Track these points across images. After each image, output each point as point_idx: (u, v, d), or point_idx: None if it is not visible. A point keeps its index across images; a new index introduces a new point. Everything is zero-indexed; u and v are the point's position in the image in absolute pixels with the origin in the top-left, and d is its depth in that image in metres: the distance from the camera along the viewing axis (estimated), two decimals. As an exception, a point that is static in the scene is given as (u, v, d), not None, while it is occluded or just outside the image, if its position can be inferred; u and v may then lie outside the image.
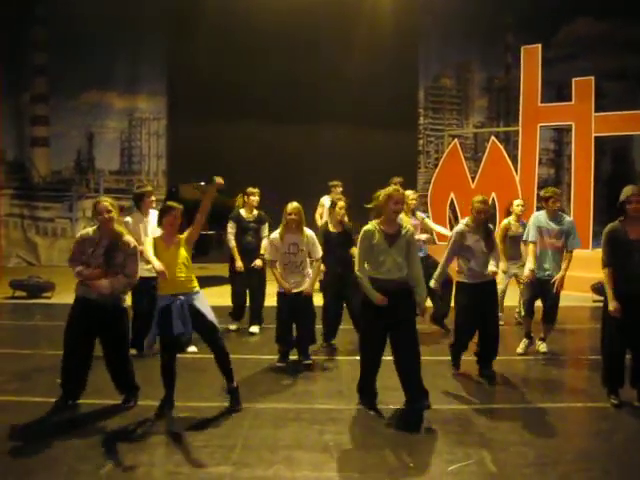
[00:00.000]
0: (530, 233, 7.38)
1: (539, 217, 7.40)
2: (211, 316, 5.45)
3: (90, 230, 5.48)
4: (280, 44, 14.35)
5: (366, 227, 5.47)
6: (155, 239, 5.45)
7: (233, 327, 8.55)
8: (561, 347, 7.93)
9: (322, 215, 11.18)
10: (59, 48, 14.94)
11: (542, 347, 7.51)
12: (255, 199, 8.47)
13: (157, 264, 5.20)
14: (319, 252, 6.86)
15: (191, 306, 5.35)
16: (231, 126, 14.57)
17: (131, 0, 14.71)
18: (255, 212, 8.52)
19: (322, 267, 7.21)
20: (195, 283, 5.48)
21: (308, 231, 6.84)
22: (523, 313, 7.71)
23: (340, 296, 7.62)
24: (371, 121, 14.78)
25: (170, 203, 5.57)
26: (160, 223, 5.53)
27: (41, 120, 15.51)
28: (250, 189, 8.56)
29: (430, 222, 9.13)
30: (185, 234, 5.46)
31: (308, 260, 6.91)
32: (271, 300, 7.71)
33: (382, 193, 5.45)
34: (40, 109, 15.50)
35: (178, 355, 5.51)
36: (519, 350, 7.53)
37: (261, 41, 14.35)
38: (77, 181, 15.79)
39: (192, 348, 6.78)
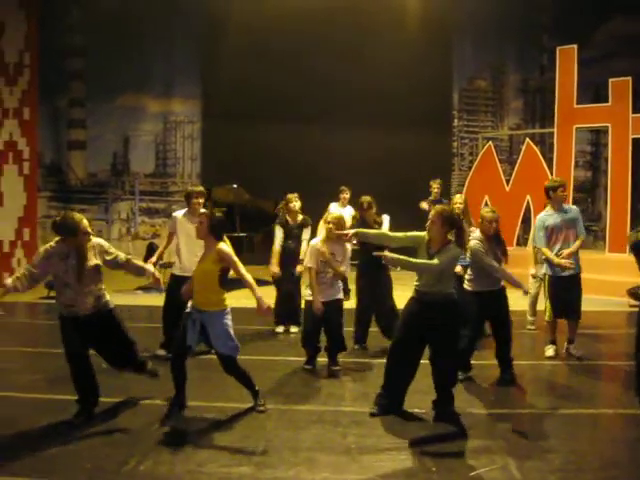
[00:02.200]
0: (538, 239, 7.27)
1: (544, 218, 7.30)
2: (223, 343, 5.39)
3: (52, 244, 5.21)
4: (312, 46, 14.38)
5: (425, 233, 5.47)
6: None
7: (280, 329, 8.60)
8: (594, 352, 7.78)
9: None
10: (95, 52, 15.21)
11: (574, 350, 7.35)
12: (294, 204, 8.42)
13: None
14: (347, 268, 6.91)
15: (203, 327, 5.38)
16: (264, 128, 14.64)
17: (166, 5, 14.89)
18: (299, 217, 8.52)
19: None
20: (213, 305, 5.39)
21: (348, 245, 6.79)
22: (546, 316, 7.51)
23: (374, 299, 7.59)
24: (405, 124, 14.70)
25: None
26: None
27: (78, 123, 15.80)
28: (289, 195, 8.54)
29: None
30: (224, 253, 5.37)
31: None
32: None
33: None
34: (77, 113, 15.79)
35: (204, 356, 5.54)
36: (548, 354, 7.39)
37: (293, 43, 14.39)
38: (113, 183, 16.03)
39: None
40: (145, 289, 11.85)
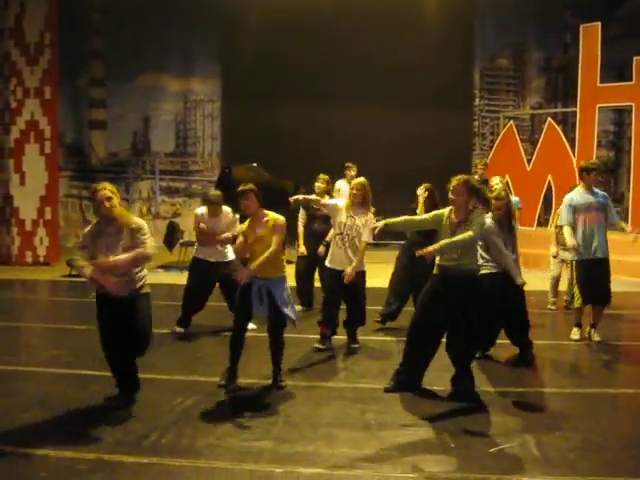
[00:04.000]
0: (564, 216, 7.14)
1: (573, 197, 7.17)
2: (286, 307, 5.53)
3: (88, 232, 5.08)
4: (331, 24, 14.30)
5: (446, 209, 5.48)
6: (245, 224, 5.64)
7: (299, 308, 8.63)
8: (616, 333, 7.76)
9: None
10: (115, 32, 15.16)
11: (595, 336, 7.21)
12: (319, 185, 8.34)
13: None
14: (368, 237, 6.64)
15: (269, 292, 5.48)
16: (284, 108, 14.57)
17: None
18: (326, 199, 8.45)
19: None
20: (278, 271, 5.59)
21: (371, 214, 6.74)
22: (575, 302, 7.42)
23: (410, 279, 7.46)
24: (426, 103, 14.57)
25: (242, 186, 5.63)
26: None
27: (98, 103, 15.84)
28: (319, 176, 8.51)
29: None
30: (275, 223, 5.52)
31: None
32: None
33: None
34: (97, 92, 15.82)
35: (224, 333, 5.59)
36: (574, 337, 7.29)
37: (312, 22, 14.31)
38: (133, 163, 16.09)
39: (251, 325, 6.90)
40: (166, 267, 11.94)
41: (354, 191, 6.65)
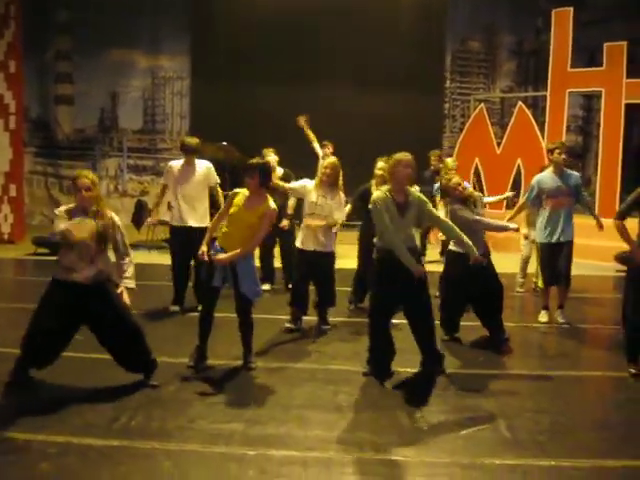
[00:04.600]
0: (528, 192, 7.25)
1: (543, 178, 7.21)
2: (248, 286, 5.42)
3: (65, 208, 4.90)
4: (303, 5, 14.14)
5: (377, 195, 5.29)
6: (240, 194, 5.50)
7: (266, 287, 8.55)
8: (582, 316, 7.83)
9: None
10: (83, 5, 14.83)
11: (560, 317, 7.30)
12: (275, 158, 8.32)
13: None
14: (341, 215, 6.68)
15: (233, 269, 5.38)
16: (254, 87, 14.40)
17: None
18: (279, 171, 8.39)
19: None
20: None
21: (342, 194, 6.72)
22: (540, 284, 7.51)
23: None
24: (397, 85, 14.52)
25: (250, 161, 5.53)
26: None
27: (65, 78, 15.48)
28: (264, 150, 8.48)
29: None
30: (273, 214, 5.49)
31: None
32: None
33: (389, 159, 5.36)
34: (64, 67, 15.47)
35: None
36: (543, 319, 7.36)
37: (284, 2, 14.14)
38: (100, 140, 15.80)
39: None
40: (134, 246, 11.69)
41: (327, 170, 6.58)
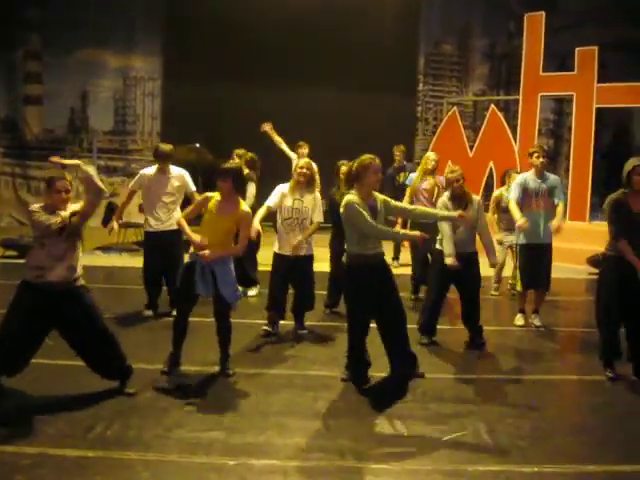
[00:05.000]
0: (513, 192, 7.21)
1: (525, 178, 7.23)
2: (228, 290, 5.37)
3: (38, 205, 4.75)
4: (274, 6, 14.06)
5: (351, 197, 5.16)
6: (212, 199, 5.40)
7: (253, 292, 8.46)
8: (556, 319, 7.87)
9: None
10: (54, 4, 14.56)
11: (536, 320, 7.34)
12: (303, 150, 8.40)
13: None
14: (320, 216, 6.62)
15: (212, 272, 5.31)
16: (227, 88, 14.26)
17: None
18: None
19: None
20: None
21: (317, 193, 6.66)
22: (519, 286, 7.54)
23: None
24: (370, 87, 14.47)
25: (227, 165, 5.48)
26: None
27: (34, 78, 15.16)
28: (235, 151, 8.52)
29: None
30: (248, 218, 5.47)
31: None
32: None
33: (355, 162, 5.25)
34: (33, 66, 15.15)
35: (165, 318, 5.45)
36: (518, 323, 7.40)
37: (259, 3, 14.06)
38: (70, 140, 15.51)
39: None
40: (104, 249, 11.59)
41: (303, 170, 6.50)
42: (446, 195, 6.50)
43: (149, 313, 7.28)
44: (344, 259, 5.34)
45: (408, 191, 8.63)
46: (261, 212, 6.48)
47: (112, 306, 7.27)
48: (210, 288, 5.35)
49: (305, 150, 10.46)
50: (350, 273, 5.30)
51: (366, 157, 5.21)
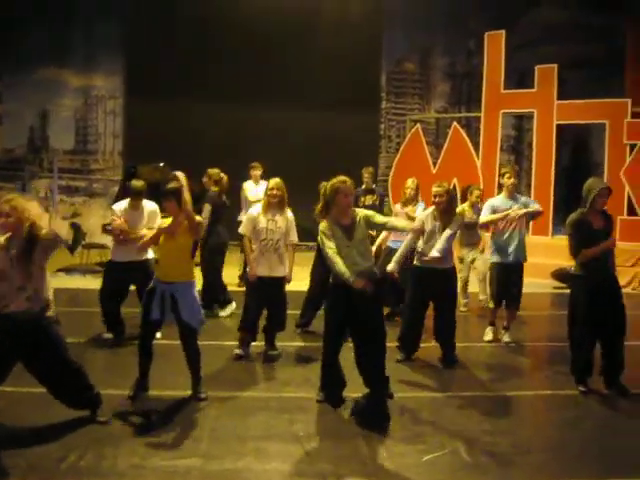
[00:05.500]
0: (483, 213, 7.33)
1: (495, 201, 7.34)
2: (190, 314, 5.30)
3: None
4: (237, 26, 14.08)
5: (321, 226, 5.20)
6: (167, 221, 5.42)
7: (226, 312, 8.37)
8: (523, 334, 7.92)
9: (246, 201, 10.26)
10: (11, 22, 14.33)
11: (506, 337, 7.40)
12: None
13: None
14: (295, 236, 6.57)
15: (172, 296, 5.25)
16: (190, 106, 14.18)
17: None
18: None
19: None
20: (185, 275, 5.37)
21: (289, 213, 6.62)
22: (490, 302, 7.61)
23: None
24: (333, 105, 14.55)
25: (170, 186, 5.39)
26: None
27: (-7, 96, 14.97)
28: (209, 170, 8.56)
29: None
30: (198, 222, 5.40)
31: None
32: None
33: (327, 186, 5.24)
34: (-9, 85, 14.95)
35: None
36: (487, 338, 7.48)
37: (221, 21, 14.05)
38: (30, 160, 15.25)
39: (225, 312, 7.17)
40: (67, 271, 11.36)
41: (274, 191, 6.45)
42: (431, 209, 6.54)
43: (109, 336, 7.11)
44: (331, 277, 5.30)
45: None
46: (246, 244, 6.61)
47: (77, 330, 7.10)
48: (168, 313, 5.31)
49: (258, 172, 10.39)
50: (332, 291, 5.28)
51: (337, 180, 5.20)
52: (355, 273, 5.04)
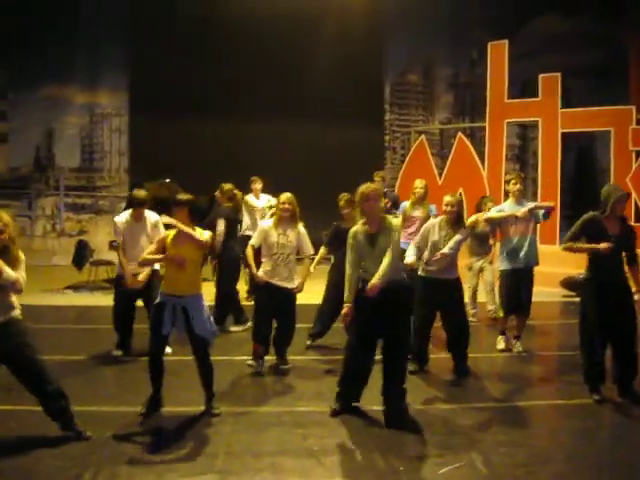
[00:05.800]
0: (493, 212, 7.38)
1: (503, 207, 7.34)
2: (202, 327, 5.28)
3: None
4: (242, 38, 14.13)
5: (352, 229, 5.36)
6: (169, 236, 5.41)
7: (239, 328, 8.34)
8: (534, 344, 7.88)
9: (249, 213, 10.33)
10: (18, 40, 14.40)
11: (517, 346, 7.35)
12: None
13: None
14: (310, 248, 6.62)
15: (184, 311, 5.24)
16: (195, 122, 14.24)
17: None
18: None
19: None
20: (196, 288, 5.36)
21: (301, 227, 6.62)
22: (500, 311, 7.58)
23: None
24: (337, 117, 14.59)
25: (180, 196, 5.45)
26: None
27: (-1, 115, 15.05)
28: (222, 185, 8.70)
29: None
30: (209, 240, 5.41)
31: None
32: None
33: (358, 191, 5.32)
34: (-2, 104, 15.03)
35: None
36: (500, 347, 7.43)
37: (226, 36, 14.11)
38: (36, 178, 15.29)
39: (167, 349, 6.60)
40: (75, 288, 11.38)
41: (285, 205, 6.49)
42: (438, 219, 6.55)
43: (118, 353, 7.08)
44: (359, 284, 5.32)
45: (401, 220, 8.58)
46: (249, 253, 6.64)
47: (86, 347, 7.11)
48: (180, 328, 5.30)
49: (259, 185, 10.43)
50: (360, 297, 5.27)
51: (362, 187, 5.31)
52: (361, 280, 5.20)
